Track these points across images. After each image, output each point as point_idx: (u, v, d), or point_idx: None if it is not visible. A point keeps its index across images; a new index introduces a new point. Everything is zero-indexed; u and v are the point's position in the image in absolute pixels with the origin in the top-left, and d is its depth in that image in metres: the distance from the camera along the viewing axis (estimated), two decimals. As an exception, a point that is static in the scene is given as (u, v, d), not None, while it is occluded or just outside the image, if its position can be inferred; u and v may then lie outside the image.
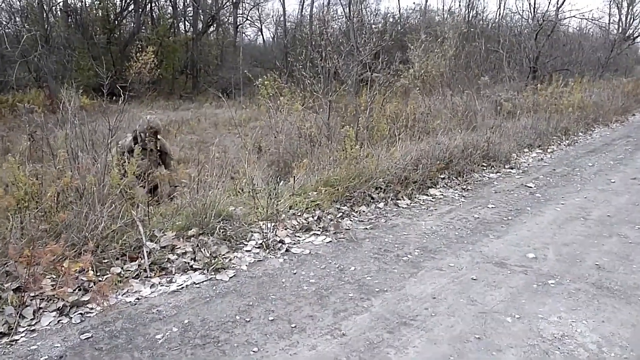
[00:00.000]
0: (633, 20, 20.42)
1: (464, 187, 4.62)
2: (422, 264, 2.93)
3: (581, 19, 16.94)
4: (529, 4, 19.81)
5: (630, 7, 19.91)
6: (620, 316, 2.32)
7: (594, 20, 19.35)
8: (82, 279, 2.62)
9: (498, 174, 5.17)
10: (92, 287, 2.59)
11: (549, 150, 6.41)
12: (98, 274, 2.71)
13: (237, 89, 19.37)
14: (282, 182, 4.52)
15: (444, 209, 4.00)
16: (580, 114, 8.76)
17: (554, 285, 2.63)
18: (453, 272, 2.81)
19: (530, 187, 4.67)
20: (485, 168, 5.29)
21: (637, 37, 20.25)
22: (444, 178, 4.75)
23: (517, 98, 8.53)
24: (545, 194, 4.44)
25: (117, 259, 2.89)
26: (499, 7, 17.17)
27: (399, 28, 21.68)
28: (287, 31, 24.87)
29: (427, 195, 4.36)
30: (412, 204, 4.11)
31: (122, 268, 2.80)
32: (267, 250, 3.14)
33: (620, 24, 20.41)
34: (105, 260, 2.84)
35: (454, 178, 4.80)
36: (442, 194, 4.39)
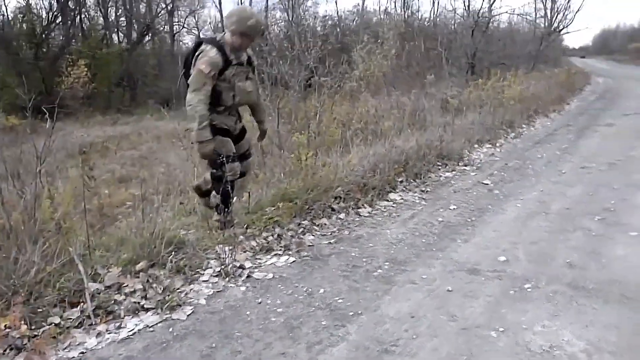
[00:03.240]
0: (557, 14, 21.52)
1: (423, 189, 4.52)
2: (394, 278, 2.76)
3: (511, 14, 17.63)
4: (463, 1, 20.51)
5: (553, 2, 20.97)
6: (602, 318, 2.24)
7: (523, 15, 20.24)
8: (13, 336, 2.26)
9: (454, 172, 5.13)
10: (26, 344, 2.23)
11: (497, 145, 6.49)
12: (33, 327, 2.35)
13: (178, 99, 18.74)
14: (235, 198, 4.25)
15: (406, 214, 3.87)
16: (521, 106, 9.00)
17: (530, 289, 2.53)
18: (427, 284, 2.66)
19: (487, 184, 4.64)
20: (440, 167, 5.23)
21: (561, 29, 21.37)
22: (402, 181, 4.63)
23: (461, 94, 8.64)
24: (502, 190, 4.42)
25: (55, 306, 2.52)
26: (433, 5, 17.58)
27: (339, 30, 21.77)
28: None
29: (388, 200, 4.22)
30: (373, 212, 3.95)
31: (61, 317, 2.44)
32: (227, 279, 2.86)
33: (546, 18, 21.45)
34: (41, 310, 2.47)
35: (411, 180, 4.70)
36: (402, 198, 4.26)
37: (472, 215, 3.75)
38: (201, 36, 27.79)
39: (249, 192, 3.93)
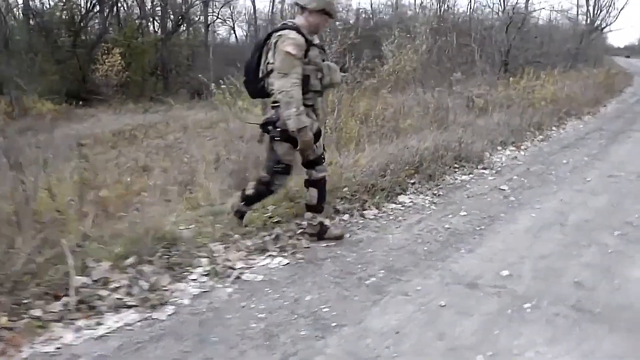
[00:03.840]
0: (600, 11, 20.55)
1: (435, 192, 4.33)
2: (386, 288, 2.61)
3: (550, 10, 16.87)
4: (499, -3, 19.72)
5: (598, -2, 20.04)
6: (605, 346, 2.04)
7: (563, 11, 19.41)
8: (-9, 327, 2.24)
9: (471, 175, 4.90)
10: (3, 336, 2.21)
11: (522, 147, 6.19)
12: (14, 319, 2.33)
13: (209, 90, 18.88)
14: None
15: (413, 219, 3.70)
16: (553, 108, 8.60)
17: (530, 310, 2.35)
18: (420, 297, 2.50)
19: (504, 189, 4.41)
20: (457, 170, 5.02)
21: (604, 27, 20.40)
22: (414, 183, 4.46)
23: (489, 93, 8.31)
24: (519, 197, 4.18)
25: (40, 298, 2.50)
26: (470, 1, 17.03)
27: (372, 24, 21.43)
28: (257, 29, 24.39)
29: (396, 203, 4.05)
30: (379, 214, 3.80)
31: (43, 310, 2.42)
32: (216, 279, 2.79)
33: (588, 15, 20.52)
34: (25, 302, 2.46)
35: (424, 183, 4.51)
36: (411, 201, 4.09)
37: (481, 224, 3.55)
38: (235, 27, 27.96)
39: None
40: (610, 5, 20.53)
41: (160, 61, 21.05)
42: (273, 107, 2.98)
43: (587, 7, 20.86)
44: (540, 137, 6.93)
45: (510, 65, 13.21)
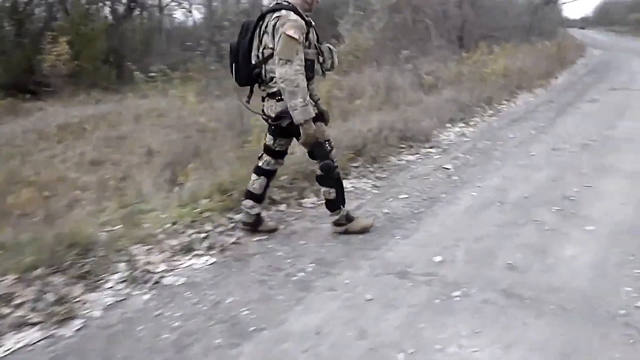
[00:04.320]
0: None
1: (379, 175, 4.19)
2: (313, 283, 2.46)
3: None
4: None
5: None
6: (529, 335, 1.95)
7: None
8: None
9: (417, 155, 4.79)
10: None
11: (471, 124, 6.12)
12: None
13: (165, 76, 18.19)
14: (176, 188, 3.95)
15: (352, 205, 3.53)
16: (504, 82, 8.58)
17: (459, 298, 2.24)
18: (347, 291, 2.36)
19: (448, 168, 4.31)
20: (403, 150, 4.89)
21: (557, 0, 20.58)
22: (357, 167, 4.31)
23: (440, 70, 8.21)
24: (462, 175, 4.09)
25: None
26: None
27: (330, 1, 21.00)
28: (212, 11, 23.59)
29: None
30: (318, 202, 3.62)
31: None
32: (133, 285, 2.58)
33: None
34: None
35: (368, 165, 4.37)
36: (353, 186, 3.94)
37: (421, 206, 3.43)
38: (193, 10, 27.00)
39: (180, 183, 3.64)
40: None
41: (112, 48, 20.12)
42: (281, 99, 2.66)
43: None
44: (491, 112, 6.88)
45: (466, 40, 13.16)
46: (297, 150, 4.10)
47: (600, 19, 50.96)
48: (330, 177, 2.85)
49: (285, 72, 2.51)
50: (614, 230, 2.85)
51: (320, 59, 2.76)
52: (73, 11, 19.31)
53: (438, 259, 2.61)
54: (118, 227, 3.14)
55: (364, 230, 2.98)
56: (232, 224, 3.25)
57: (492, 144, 5.12)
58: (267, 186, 3.03)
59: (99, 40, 19.17)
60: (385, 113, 5.53)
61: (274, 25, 2.57)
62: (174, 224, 3.18)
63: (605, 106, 7.24)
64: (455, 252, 2.69)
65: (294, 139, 2.87)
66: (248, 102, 2.91)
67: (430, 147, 5.04)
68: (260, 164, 3.00)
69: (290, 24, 2.53)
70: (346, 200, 3.04)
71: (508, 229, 2.97)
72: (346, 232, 2.98)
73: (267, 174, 2.99)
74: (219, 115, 5.57)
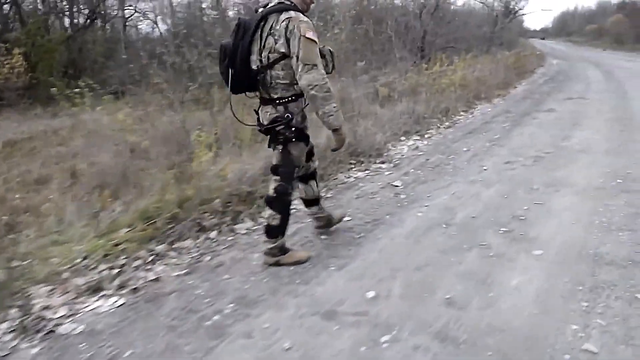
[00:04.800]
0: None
1: (323, 194, 3.90)
2: (229, 328, 2.14)
3: None
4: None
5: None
6: (463, 390, 1.67)
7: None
8: None
9: (367, 171, 4.53)
10: None
11: (426, 136, 5.92)
12: None
13: (129, 88, 17.61)
14: (102, 214, 3.56)
15: (290, 230, 3.24)
16: (463, 92, 8.47)
17: (387, 344, 1.95)
18: (264, 338, 2.05)
19: (397, 186, 4.06)
20: (353, 166, 4.63)
21: (517, 11, 20.97)
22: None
23: (398, 81, 8.04)
24: (411, 193, 3.84)
25: None
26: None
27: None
28: (174, 21, 23.13)
29: (277, 211, 3.59)
30: (254, 227, 3.32)
31: None
32: (23, 335, 2.20)
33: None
34: None
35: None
36: (295, 208, 3.63)
37: (363, 230, 3.16)
38: (158, 21, 26.43)
39: (97, 211, 3.27)
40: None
41: (71, 60, 19.40)
42: (279, 104, 2.50)
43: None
44: (447, 123, 6.71)
45: (427, 51, 13.12)
46: (234, 170, 3.79)
47: (560, 30, 52.59)
48: (282, 202, 2.65)
49: (314, 78, 2.34)
50: (563, 254, 2.63)
51: (324, 62, 2.53)
52: (29, 22, 18.56)
53: (371, 294, 2.33)
54: (27, 261, 2.76)
55: (297, 264, 2.70)
56: (152, 257, 2.90)
57: (445, 157, 4.91)
58: (317, 184, 2.95)
59: (56, 52, 18.48)
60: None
61: (286, 28, 2.36)
62: (84, 258, 2.82)
63: (561, 116, 7.17)
64: (392, 285, 2.41)
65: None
66: (258, 117, 2.68)
67: (382, 163, 4.79)
68: (301, 173, 2.84)
69: (306, 26, 2.36)
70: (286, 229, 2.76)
71: (451, 255, 2.71)
72: (277, 264, 2.70)
73: (312, 176, 2.91)
74: (160, 132, 5.20)
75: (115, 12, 24.14)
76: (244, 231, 3.27)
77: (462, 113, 7.54)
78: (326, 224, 3.07)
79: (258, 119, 2.65)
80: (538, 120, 6.91)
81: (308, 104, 2.53)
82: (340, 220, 3.15)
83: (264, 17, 2.44)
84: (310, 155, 2.82)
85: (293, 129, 2.50)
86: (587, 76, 13.66)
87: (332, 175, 4.35)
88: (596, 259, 2.52)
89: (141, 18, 26.74)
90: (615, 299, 2.15)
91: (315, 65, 2.34)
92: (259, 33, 2.45)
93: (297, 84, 2.42)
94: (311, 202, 2.96)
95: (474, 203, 3.54)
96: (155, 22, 28.43)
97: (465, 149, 5.23)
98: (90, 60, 20.26)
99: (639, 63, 18.52)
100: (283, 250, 2.72)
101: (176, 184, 3.51)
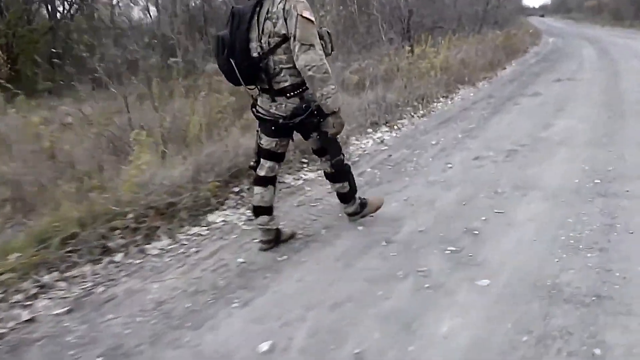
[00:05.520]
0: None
1: (261, 202, 3.41)
2: (78, 399, 1.67)
3: None
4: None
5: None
6: None
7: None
8: None
9: (319, 172, 4.01)
10: None
11: (396, 127, 5.39)
12: None
13: (117, 78, 17.01)
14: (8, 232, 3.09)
15: (208, 250, 2.77)
16: (443, 77, 7.89)
17: None
18: (113, 417, 1.58)
19: (347, 190, 3.55)
20: (305, 165, 4.13)
21: (511, -13, 20.06)
22: (237, 192, 3.53)
23: (374, 66, 7.46)
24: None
25: None
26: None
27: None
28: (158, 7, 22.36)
29: (203, 225, 3.10)
30: (169, 247, 2.84)
31: None
32: None
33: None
34: None
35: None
36: (224, 221, 3.15)
37: (290, 250, 2.67)
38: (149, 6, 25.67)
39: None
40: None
41: (54, 50, 18.75)
42: (293, 95, 2.39)
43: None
44: (422, 112, 6.17)
45: (414, 33, 12.44)
46: (154, 177, 3.30)
47: (559, 6, 51.18)
48: (344, 171, 2.72)
49: (311, 59, 2.23)
50: (513, 286, 2.13)
51: (322, 43, 2.38)
52: (9, 12, 17.88)
53: (265, 346, 1.84)
54: None
55: (379, 208, 2.95)
56: (36, 289, 2.43)
57: (410, 153, 4.39)
58: (274, 194, 2.73)
59: (39, 42, 17.84)
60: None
61: (284, 9, 2.26)
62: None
63: (547, 100, 6.61)
64: (296, 331, 1.93)
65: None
66: (255, 106, 2.55)
67: (339, 160, 4.27)
68: (263, 174, 2.61)
69: (303, 6, 2.26)
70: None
71: (380, 285, 2.22)
72: (364, 217, 2.90)
73: (274, 181, 2.68)
74: (94, 133, 4.69)
75: (103, -1, 23.38)
76: (156, 252, 2.79)
77: (441, 99, 6.98)
78: (274, 240, 2.70)
79: (256, 111, 2.53)
80: (520, 106, 6.35)
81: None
82: (291, 237, 2.80)
83: (259, 2, 2.34)
84: (284, 155, 2.69)
85: (315, 112, 2.39)
86: (581, 55, 12.97)
87: (280, 175, 3.85)
88: (553, 294, 2.02)
89: (131, 4, 25.98)
90: (567, 355, 1.66)
91: (313, 45, 2.24)
92: (256, 19, 2.34)
93: None
94: (264, 210, 2.65)
95: (427, 212, 3.03)
96: (148, 9, 27.62)
97: (434, 142, 4.70)
98: (75, 50, 19.68)
99: (635, 40, 17.71)
100: (363, 205, 2.86)
101: (82, 197, 3.03)
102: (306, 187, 3.69)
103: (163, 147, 4.07)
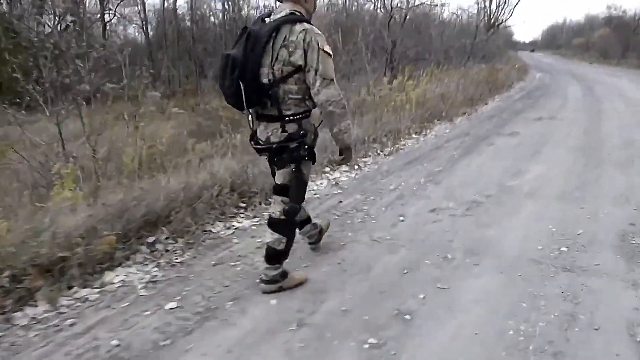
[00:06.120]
0: (497, 7, 20.26)
1: (173, 258, 2.90)
2: None
3: (431, 5, 15.57)
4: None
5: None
6: None
7: (458, 10, 18.76)
8: None
9: (255, 219, 3.53)
10: None
11: (357, 167, 4.92)
12: None
13: (102, 95, 16.53)
14: None
15: (87, 323, 2.24)
16: (421, 111, 7.50)
17: None
18: None
19: (278, 245, 3.05)
20: (243, 210, 3.63)
21: (500, 24, 20.07)
22: (153, 242, 3.01)
23: (346, 98, 7.03)
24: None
25: None
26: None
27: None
28: (146, 28, 22.18)
29: (94, 287, 2.58)
30: (44, 315, 2.32)
31: None
32: None
33: (485, 11, 20.13)
34: None
35: (171, 241, 3.08)
36: (122, 281, 2.63)
37: (181, 328, 2.15)
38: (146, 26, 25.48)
39: None
40: (504, 3, 20.28)
41: (37, 65, 18.31)
42: (291, 121, 2.28)
43: (478, 2, 20.46)
44: (389, 149, 5.72)
45: (397, 63, 12.15)
46: (52, 224, 2.78)
47: (549, 43, 51.80)
48: (291, 224, 2.49)
49: (332, 94, 2.21)
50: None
51: None
52: (-6, 24, 17.53)
53: None
54: None
55: (298, 285, 2.52)
56: None
57: (364, 199, 3.91)
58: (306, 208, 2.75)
59: (22, 55, 17.47)
60: (242, 157, 4.27)
61: (304, 40, 2.19)
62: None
63: (523, 141, 6.20)
64: None
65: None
66: (254, 135, 2.41)
67: (282, 205, 3.78)
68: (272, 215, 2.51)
69: (323, 39, 2.23)
70: None
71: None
72: (279, 290, 2.47)
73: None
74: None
75: (92, 16, 23.13)
76: (25, 322, 2.27)
77: (413, 135, 6.56)
78: (318, 238, 2.91)
79: (254, 138, 2.41)
80: (494, 146, 5.93)
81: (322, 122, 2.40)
82: (327, 226, 3.01)
83: (277, 28, 2.22)
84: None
85: (306, 146, 2.32)
86: (565, 92, 12.70)
87: (208, 223, 3.35)
88: None
89: (127, 22, 25.78)
90: None
91: (332, 80, 2.22)
92: (271, 44, 2.22)
93: (308, 99, 2.28)
94: (304, 222, 2.79)
95: (358, 283, 2.53)
96: (144, 27, 27.39)
97: (392, 187, 4.23)
98: (62, 66, 19.29)
99: (621, 79, 17.59)
100: (284, 275, 2.50)
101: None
102: (235, 238, 3.18)
103: (79, 184, 3.57)
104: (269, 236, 2.45)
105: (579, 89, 13.65)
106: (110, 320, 2.26)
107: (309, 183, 2.84)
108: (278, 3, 2.40)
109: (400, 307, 2.26)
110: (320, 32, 2.24)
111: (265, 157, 2.46)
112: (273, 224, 2.44)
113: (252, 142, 2.41)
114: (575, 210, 3.56)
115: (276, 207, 2.44)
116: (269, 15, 2.34)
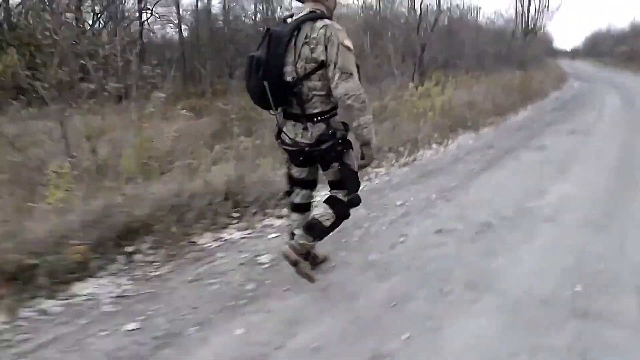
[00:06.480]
0: (537, 13, 19.44)
1: (150, 270, 2.72)
2: None
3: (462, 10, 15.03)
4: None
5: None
6: None
7: (495, 14, 18.10)
8: None
9: (247, 231, 3.32)
10: None
11: (367, 178, 4.63)
12: None
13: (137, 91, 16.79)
14: None
15: (39, 340, 2.07)
16: (444, 120, 7.14)
17: None
18: None
19: (263, 262, 2.83)
20: (235, 221, 3.43)
21: (538, 30, 19.26)
22: (132, 253, 2.84)
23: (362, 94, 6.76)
24: (266, 281, 2.60)
25: None
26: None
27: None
28: (180, 26, 22.39)
29: (60, 298, 2.42)
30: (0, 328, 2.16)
31: None
32: None
33: (523, 16, 19.35)
34: None
35: (152, 251, 2.90)
36: (90, 294, 2.46)
37: (132, 358, 1.94)
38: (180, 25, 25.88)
39: None
40: (544, 8, 19.44)
41: (76, 62, 18.75)
42: (320, 120, 2.27)
43: (516, 7, 19.65)
44: (405, 160, 5.40)
45: (426, 68, 11.75)
46: (24, 229, 2.64)
47: (590, 50, 49.65)
48: (348, 208, 2.48)
49: (351, 87, 2.17)
50: None
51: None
52: (34, 21, 18.03)
53: None
54: None
55: (306, 277, 2.45)
56: None
57: (366, 215, 3.63)
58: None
59: (56, 51, 17.87)
60: (243, 164, 4.07)
61: (325, 35, 2.19)
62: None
63: (550, 157, 5.75)
64: None
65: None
66: (279, 134, 2.43)
67: (279, 217, 3.56)
68: (299, 201, 2.57)
69: (343, 34, 2.21)
70: None
71: None
72: (294, 265, 2.41)
73: (309, 207, 2.61)
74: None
75: (129, 15, 23.55)
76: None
77: (433, 146, 6.21)
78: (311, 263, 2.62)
79: (280, 137, 2.42)
80: (518, 161, 5.52)
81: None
82: (324, 260, 2.76)
83: (298, 27, 2.24)
84: (314, 183, 2.59)
85: (340, 141, 2.29)
86: (603, 103, 11.95)
87: (196, 233, 3.16)
88: None
89: (164, 22, 26.15)
90: None
91: (352, 74, 2.17)
92: (294, 43, 2.24)
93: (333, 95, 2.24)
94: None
95: (340, 314, 2.27)
96: (179, 26, 27.77)
97: (399, 203, 3.93)
98: (99, 63, 19.65)
99: (668, 91, 16.52)
100: (307, 255, 2.48)
101: None
102: (219, 252, 2.97)
103: (71, 185, 3.44)
104: (318, 210, 2.44)
105: (619, 101, 12.84)
106: (64, 339, 2.08)
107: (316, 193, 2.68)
108: (299, 4, 2.40)
109: (378, 349, 1.98)
110: (340, 27, 2.22)
111: (292, 155, 2.44)
112: (332, 199, 2.43)
113: (279, 141, 2.43)
114: (599, 240, 3.17)
115: (338, 195, 2.43)
116: (290, 17, 2.36)
